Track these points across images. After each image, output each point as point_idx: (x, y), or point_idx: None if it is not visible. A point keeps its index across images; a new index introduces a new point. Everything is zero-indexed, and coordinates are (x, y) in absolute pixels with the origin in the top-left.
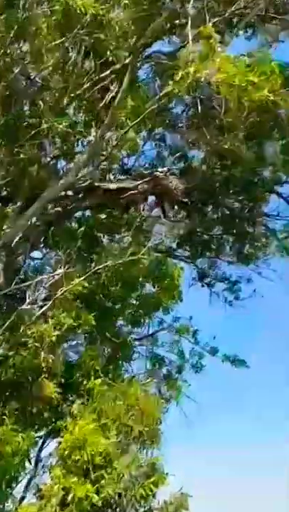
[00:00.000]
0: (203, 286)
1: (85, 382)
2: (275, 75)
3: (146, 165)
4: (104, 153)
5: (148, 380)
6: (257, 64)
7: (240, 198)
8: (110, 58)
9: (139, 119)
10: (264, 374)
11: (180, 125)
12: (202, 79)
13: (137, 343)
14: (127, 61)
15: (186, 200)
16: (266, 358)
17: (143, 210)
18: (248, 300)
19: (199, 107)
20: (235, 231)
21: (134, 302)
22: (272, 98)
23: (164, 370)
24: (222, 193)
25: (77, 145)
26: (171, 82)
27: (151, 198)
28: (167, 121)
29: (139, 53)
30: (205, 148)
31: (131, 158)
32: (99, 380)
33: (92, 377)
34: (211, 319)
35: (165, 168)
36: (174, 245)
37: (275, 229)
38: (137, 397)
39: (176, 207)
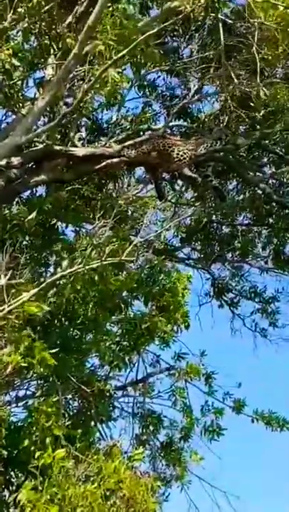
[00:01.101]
0: (221, 305)
1: (37, 455)
2: None
3: (133, 120)
4: (68, 100)
5: (137, 452)
6: None
7: (278, 169)
8: None
9: (127, 50)
10: None
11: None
12: None
13: (119, 393)
14: None
15: (194, 173)
16: None
17: (128, 187)
18: None
19: (222, 35)
20: (271, 221)
21: (116, 329)
22: None
23: (162, 436)
24: (250, 162)
25: (27, 87)
26: None
27: (140, 170)
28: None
29: None
30: (226, 95)
31: (110, 110)
32: (61, 451)
33: (50, 447)
34: (235, 356)
35: (161, 125)
36: (177, 242)
37: None
38: (119, 477)
39: (179, 183)
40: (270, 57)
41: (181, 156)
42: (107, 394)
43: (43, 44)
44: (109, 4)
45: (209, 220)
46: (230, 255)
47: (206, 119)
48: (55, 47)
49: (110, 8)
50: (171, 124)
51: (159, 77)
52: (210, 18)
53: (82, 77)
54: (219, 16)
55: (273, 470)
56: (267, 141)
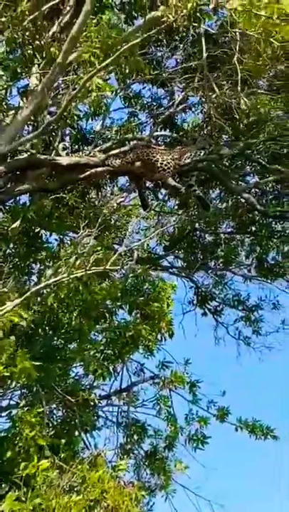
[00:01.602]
0: (205, 313)
1: (21, 465)
2: None
3: (118, 130)
4: (53, 109)
5: (121, 461)
6: None
7: (261, 179)
8: None
9: (111, 59)
10: None
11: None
12: (211, 4)
13: (103, 402)
14: None
15: (178, 182)
16: None
17: (111, 196)
18: (274, 335)
19: (204, 46)
20: (253, 229)
21: (100, 338)
22: None
23: (147, 445)
24: (234, 171)
25: (11, 96)
26: (161, 7)
27: (123, 179)
28: (151, 68)
29: None
30: (209, 105)
31: (95, 120)
32: (45, 462)
33: (34, 457)
34: (219, 364)
35: (147, 134)
36: (161, 251)
37: None
38: (104, 487)
39: (162, 192)
40: (252, 68)
41: (165, 165)
42: (92, 403)
43: (27, 53)
44: (93, 15)
45: (192, 229)
46: (213, 263)
47: (190, 129)
48: (39, 56)
49: (95, 19)
50: (155, 133)
51: (145, 87)
52: (193, 29)
53: (67, 86)
54: (202, 26)
55: (258, 478)
56: (250, 151)
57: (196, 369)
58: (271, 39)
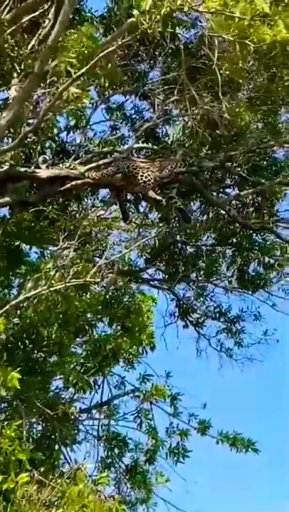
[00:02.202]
0: (186, 325)
1: (0, 479)
2: None
3: (100, 143)
4: (31, 121)
5: (102, 475)
6: None
7: (242, 191)
8: None
9: (87, 67)
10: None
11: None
12: (185, 8)
13: (83, 415)
14: None
15: (159, 194)
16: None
17: (92, 208)
18: (255, 347)
19: (182, 53)
20: (234, 241)
21: (80, 351)
22: None
23: (128, 458)
24: (214, 184)
25: None
26: (136, 13)
27: (105, 191)
28: (132, 80)
29: None
30: (189, 117)
31: (73, 133)
32: (24, 476)
33: (12, 471)
34: (200, 377)
35: (127, 146)
36: (142, 263)
37: None
38: (84, 501)
39: (144, 205)
40: (231, 76)
41: (146, 178)
42: (72, 417)
43: (6, 66)
44: (72, 28)
45: (174, 241)
46: (194, 275)
47: (171, 141)
48: (18, 69)
49: (74, 32)
50: (135, 146)
51: (127, 99)
52: (172, 42)
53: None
54: (179, 35)
55: (239, 491)
56: (230, 163)
57: (177, 381)
58: (246, 41)
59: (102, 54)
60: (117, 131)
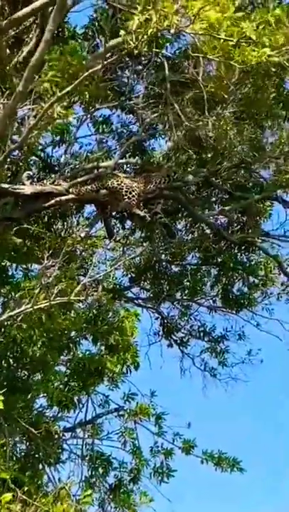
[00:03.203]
0: (171, 344)
1: None
2: (282, 25)
3: (86, 158)
4: (15, 137)
5: (86, 493)
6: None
7: (226, 208)
8: None
9: (72, 86)
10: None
11: (136, 98)
12: (172, 29)
13: (67, 434)
14: None
15: (144, 210)
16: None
17: (77, 226)
18: (240, 366)
19: (166, 71)
20: (219, 260)
21: (64, 369)
22: (275, 59)
23: (112, 477)
24: (199, 200)
25: None
26: (122, 33)
27: (89, 208)
28: (117, 94)
29: None
30: (174, 133)
31: (58, 148)
32: (8, 495)
33: None
34: (185, 396)
35: (111, 163)
36: (127, 282)
37: (278, 255)
38: None
39: (128, 222)
40: (216, 93)
41: (130, 193)
42: (55, 436)
43: None
44: (56, 44)
45: (158, 260)
46: (179, 294)
47: (156, 156)
48: (2, 87)
49: (58, 49)
50: (120, 161)
51: (114, 113)
52: (156, 56)
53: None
54: (164, 52)
55: (225, 511)
56: (215, 179)
57: (162, 401)
58: (231, 62)
59: (87, 73)
60: (103, 144)
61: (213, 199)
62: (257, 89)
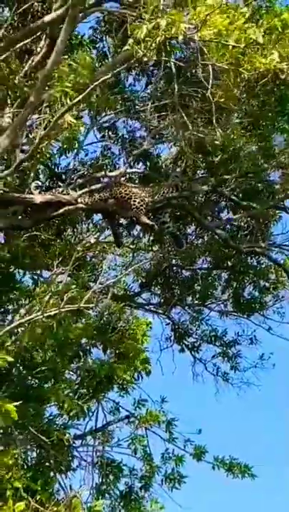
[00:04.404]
0: (182, 350)
1: None
2: None
3: (92, 165)
4: (25, 148)
5: (97, 502)
6: (262, 15)
7: (236, 215)
8: (36, 6)
9: (82, 96)
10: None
11: (143, 107)
12: (179, 36)
13: (78, 442)
14: (63, 10)
15: (151, 219)
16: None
17: (87, 233)
18: (252, 371)
19: (175, 79)
20: (229, 264)
21: (74, 377)
22: (284, 66)
23: (122, 485)
24: (207, 208)
25: None
26: (130, 41)
27: (98, 217)
28: (124, 100)
29: None
30: (182, 141)
31: (67, 157)
32: (21, 504)
33: (10, 499)
34: (196, 402)
35: (120, 171)
36: (137, 287)
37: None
38: None
39: (137, 229)
40: (224, 102)
41: (138, 203)
42: (66, 443)
43: (1, 93)
44: (65, 53)
45: (169, 265)
46: (190, 299)
47: (164, 165)
48: (12, 96)
49: (67, 57)
50: (128, 170)
51: (119, 119)
52: (165, 64)
53: (40, 124)
54: (173, 60)
55: None
56: (223, 188)
57: (173, 407)
58: (240, 69)
59: (96, 83)
60: (109, 151)
61: (221, 206)
62: (262, 103)
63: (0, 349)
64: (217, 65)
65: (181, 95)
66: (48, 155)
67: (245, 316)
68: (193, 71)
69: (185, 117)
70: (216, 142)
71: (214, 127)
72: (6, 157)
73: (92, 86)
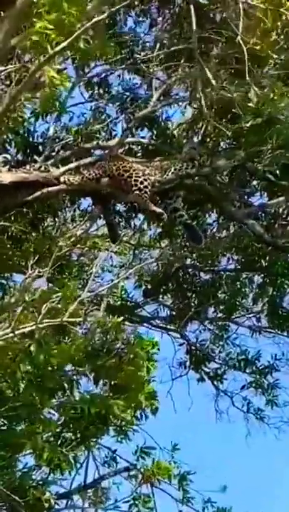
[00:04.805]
0: (202, 378)
1: None
2: None
3: (77, 134)
4: None
5: None
6: None
7: (270, 199)
8: None
9: (68, 41)
10: None
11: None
12: None
13: (61, 502)
14: None
15: (159, 205)
16: None
17: (72, 224)
18: None
19: (193, 19)
20: (264, 264)
21: (56, 417)
22: None
23: None
24: (235, 190)
25: None
26: None
27: (87, 202)
28: (120, 47)
29: None
30: (200, 100)
31: (45, 121)
32: None
33: None
34: (219, 449)
35: (116, 140)
36: (140, 296)
37: None
38: None
39: (140, 218)
40: (259, 50)
41: (141, 183)
42: (46, 505)
43: None
44: None
45: (183, 265)
46: (211, 311)
47: (175, 132)
48: None
49: None
50: (128, 140)
51: (112, 73)
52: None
53: (8, 78)
54: None
55: None
56: (255, 163)
57: (188, 456)
58: (281, 9)
59: (87, 25)
60: (101, 114)
61: (253, 188)
62: None
63: None
64: (251, 3)
65: (200, 39)
66: (20, 119)
67: (285, 334)
68: (217, 9)
69: (206, 69)
70: (249, 103)
71: (246, 82)
72: None
73: (82, 28)
